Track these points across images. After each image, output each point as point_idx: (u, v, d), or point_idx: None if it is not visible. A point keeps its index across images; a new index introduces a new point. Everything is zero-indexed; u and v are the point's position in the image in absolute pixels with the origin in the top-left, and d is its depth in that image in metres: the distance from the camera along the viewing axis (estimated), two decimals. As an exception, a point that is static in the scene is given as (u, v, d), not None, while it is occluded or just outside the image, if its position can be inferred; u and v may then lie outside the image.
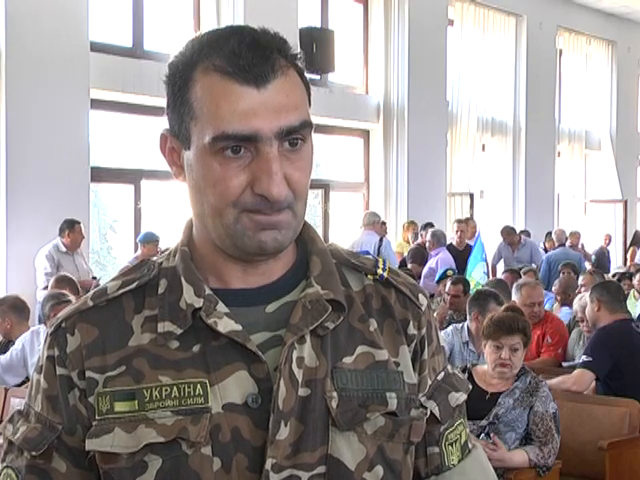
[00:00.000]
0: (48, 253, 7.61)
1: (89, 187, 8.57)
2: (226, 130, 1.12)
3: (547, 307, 7.71)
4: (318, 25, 10.97)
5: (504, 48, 14.02)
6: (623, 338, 4.90)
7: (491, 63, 13.63)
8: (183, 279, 1.20)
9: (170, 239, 9.54)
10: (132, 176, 9.55)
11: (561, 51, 15.48)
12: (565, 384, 4.72)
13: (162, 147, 1.22)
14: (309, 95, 1.20)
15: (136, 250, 8.66)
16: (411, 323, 1.27)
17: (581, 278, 7.76)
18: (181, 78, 1.17)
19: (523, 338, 4.04)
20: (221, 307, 1.18)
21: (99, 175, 9.02)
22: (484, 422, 3.91)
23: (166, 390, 1.15)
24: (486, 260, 9.94)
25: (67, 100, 8.25)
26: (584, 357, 4.86)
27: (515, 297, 6.14)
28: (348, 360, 1.21)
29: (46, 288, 7.25)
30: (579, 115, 15.76)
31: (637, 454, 4.41)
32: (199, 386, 1.15)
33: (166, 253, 1.26)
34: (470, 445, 1.34)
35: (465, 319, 5.79)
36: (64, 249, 7.70)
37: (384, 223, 10.97)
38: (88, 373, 1.18)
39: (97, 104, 8.72)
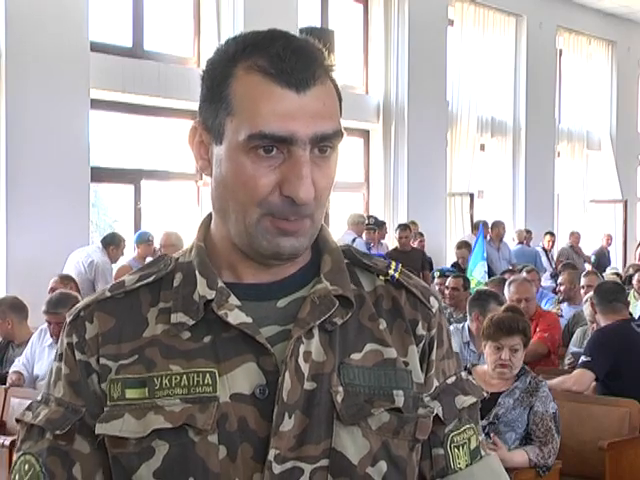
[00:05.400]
0: (108, 268, 7.77)
1: (89, 187, 8.57)
2: (263, 129, 1.14)
3: (549, 307, 7.72)
4: (318, 25, 10.97)
5: (504, 48, 14.02)
6: (622, 338, 4.90)
7: (491, 63, 13.63)
8: (197, 272, 1.23)
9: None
10: (132, 176, 9.55)
11: (561, 51, 15.47)
12: (565, 384, 4.72)
13: (191, 140, 1.24)
14: (341, 106, 1.23)
15: (135, 250, 8.66)
16: (420, 324, 1.28)
17: (585, 279, 7.76)
18: (221, 74, 1.19)
19: (523, 339, 4.04)
20: (233, 300, 1.21)
21: (99, 175, 9.02)
22: (484, 422, 3.91)
23: (176, 378, 1.18)
24: (487, 259, 9.96)
25: (67, 100, 8.25)
26: (583, 357, 4.86)
27: (506, 293, 6.17)
28: (356, 357, 1.22)
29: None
30: (579, 115, 15.75)
31: (637, 454, 4.41)
32: (208, 375, 1.18)
33: (183, 249, 1.29)
34: (483, 452, 1.33)
35: (464, 317, 5.80)
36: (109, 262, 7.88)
37: (382, 224, 10.99)
38: (102, 360, 1.21)
39: (97, 104, 8.71)
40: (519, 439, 3.96)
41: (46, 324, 5.57)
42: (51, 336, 5.41)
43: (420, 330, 1.28)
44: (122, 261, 8.51)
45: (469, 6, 13.25)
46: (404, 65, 11.93)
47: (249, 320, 1.19)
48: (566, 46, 15.51)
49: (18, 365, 5.52)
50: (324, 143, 1.18)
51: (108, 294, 1.25)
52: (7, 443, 4.58)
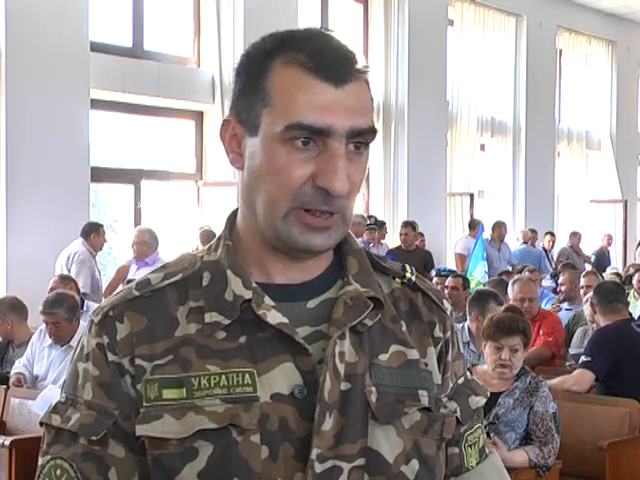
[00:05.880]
0: (86, 258, 7.61)
1: (89, 187, 8.57)
2: (301, 120, 1.16)
3: (549, 307, 7.72)
4: (318, 25, 10.97)
5: (504, 48, 14.02)
6: (622, 338, 4.90)
7: (491, 63, 13.62)
8: (230, 271, 1.22)
9: (169, 239, 9.53)
10: (132, 176, 9.55)
11: (561, 51, 15.47)
12: (565, 384, 4.72)
13: (223, 133, 1.25)
14: (372, 107, 1.25)
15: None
16: (437, 326, 1.31)
17: (585, 279, 7.76)
18: (258, 66, 1.20)
19: (523, 339, 4.04)
20: (268, 300, 1.21)
21: (99, 175, 9.02)
22: (484, 422, 3.91)
23: (215, 379, 1.18)
24: (487, 259, 9.96)
25: (67, 100, 8.25)
26: (583, 357, 4.86)
27: (509, 292, 6.18)
28: (383, 358, 1.24)
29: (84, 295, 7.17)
30: (579, 115, 15.75)
31: (637, 454, 4.41)
32: (247, 375, 1.18)
33: (206, 247, 1.29)
34: (487, 450, 1.38)
35: (464, 316, 5.81)
36: (93, 252, 7.74)
37: (382, 224, 10.98)
38: (137, 361, 1.20)
39: (97, 104, 8.72)
40: (519, 439, 3.96)
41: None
42: (50, 337, 5.40)
43: (437, 332, 1.31)
44: (122, 260, 8.51)
45: (469, 6, 13.25)
46: (404, 65, 11.93)
47: (286, 320, 1.19)
48: (566, 46, 15.51)
49: (19, 367, 5.52)
50: (359, 139, 1.19)
51: (136, 293, 1.23)
52: (7, 443, 4.57)
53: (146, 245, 7.57)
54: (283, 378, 1.18)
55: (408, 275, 1.31)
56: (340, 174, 1.16)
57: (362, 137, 1.19)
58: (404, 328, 1.28)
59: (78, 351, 1.25)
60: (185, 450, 1.16)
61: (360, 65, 1.22)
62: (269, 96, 1.18)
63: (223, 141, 1.25)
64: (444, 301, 1.34)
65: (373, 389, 1.21)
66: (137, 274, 7.61)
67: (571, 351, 6.23)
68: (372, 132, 1.20)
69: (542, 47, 14.42)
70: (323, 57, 1.18)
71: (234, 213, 1.29)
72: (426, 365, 1.27)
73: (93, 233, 7.75)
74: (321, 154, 1.17)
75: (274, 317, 1.19)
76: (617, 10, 15.75)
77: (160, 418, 1.17)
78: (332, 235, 1.20)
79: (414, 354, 1.26)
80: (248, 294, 1.20)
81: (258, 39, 1.23)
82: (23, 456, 4.59)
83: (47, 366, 5.41)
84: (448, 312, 1.33)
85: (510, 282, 6.40)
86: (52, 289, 6.32)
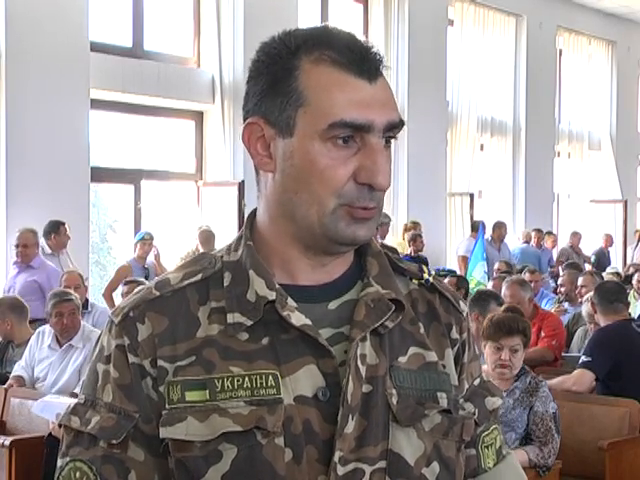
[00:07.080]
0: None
1: (89, 187, 8.57)
2: (344, 118, 1.15)
3: (548, 307, 7.72)
4: (318, 25, 10.96)
5: (504, 48, 14.01)
6: (622, 338, 4.90)
7: (491, 63, 13.62)
8: (252, 272, 1.21)
9: (169, 239, 9.53)
10: (132, 176, 9.55)
11: (561, 51, 15.47)
12: (565, 384, 4.72)
13: (246, 137, 1.22)
14: None
15: (135, 250, 8.66)
16: (454, 327, 1.31)
17: (581, 279, 7.76)
18: (283, 68, 1.19)
19: (523, 339, 4.04)
20: (291, 301, 1.20)
21: (99, 175, 9.02)
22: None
23: (238, 380, 1.16)
24: (487, 259, 9.96)
25: (67, 100, 8.25)
26: (583, 357, 4.86)
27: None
28: (402, 360, 1.24)
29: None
30: (579, 115, 15.75)
31: (637, 454, 4.42)
32: (271, 377, 1.17)
33: (224, 247, 1.28)
34: (504, 451, 1.37)
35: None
36: (49, 251, 7.58)
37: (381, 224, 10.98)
38: (159, 362, 1.18)
39: (97, 104, 8.71)
40: (519, 439, 3.96)
41: (44, 327, 5.57)
42: (59, 334, 5.39)
43: (454, 334, 1.31)
44: (122, 260, 8.50)
45: (469, 6, 13.25)
46: (404, 65, 11.93)
47: (309, 322, 1.19)
48: (566, 46, 15.50)
49: (18, 369, 5.52)
50: (390, 133, 1.20)
51: (157, 293, 1.22)
52: (7, 443, 4.58)
53: (34, 247, 7.37)
54: (307, 380, 1.17)
55: (425, 276, 1.31)
56: (382, 167, 1.17)
57: (393, 131, 1.20)
58: (422, 330, 1.27)
59: (97, 352, 1.24)
60: (209, 453, 1.15)
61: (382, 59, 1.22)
62: (303, 96, 1.17)
63: (247, 145, 1.22)
64: (460, 302, 1.34)
65: (394, 391, 1.21)
66: (18, 278, 7.22)
67: (564, 354, 6.22)
68: (402, 125, 1.21)
69: (542, 47, 14.42)
70: (353, 53, 1.17)
71: (253, 213, 1.28)
72: (444, 367, 1.27)
73: (53, 233, 7.60)
74: (360, 150, 1.17)
75: (298, 319, 1.18)
76: (617, 10, 15.75)
77: (184, 420, 1.16)
78: (372, 226, 1.21)
79: (432, 356, 1.26)
80: (272, 295, 1.19)
81: (270, 38, 1.21)
82: (23, 456, 4.60)
83: (47, 367, 5.40)
84: (464, 313, 1.34)
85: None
86: (66, 286, 6.30)
